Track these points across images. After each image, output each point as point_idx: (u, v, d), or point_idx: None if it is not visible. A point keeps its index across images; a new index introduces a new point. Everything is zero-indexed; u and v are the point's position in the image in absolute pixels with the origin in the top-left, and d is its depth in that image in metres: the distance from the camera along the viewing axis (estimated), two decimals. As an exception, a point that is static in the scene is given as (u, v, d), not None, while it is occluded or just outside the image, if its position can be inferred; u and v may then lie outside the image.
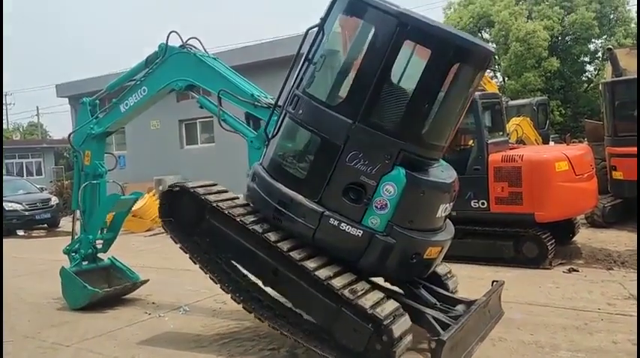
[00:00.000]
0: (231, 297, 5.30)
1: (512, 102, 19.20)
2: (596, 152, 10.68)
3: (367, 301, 4.51)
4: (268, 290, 5.29)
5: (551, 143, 18.28)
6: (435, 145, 4.97)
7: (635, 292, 6.74)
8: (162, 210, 5.66)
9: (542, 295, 6.92)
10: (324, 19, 4.94)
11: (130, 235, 14.21)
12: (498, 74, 31.93)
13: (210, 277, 5.41)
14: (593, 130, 15.22)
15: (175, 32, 6.54)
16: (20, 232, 17.53)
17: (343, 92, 4.83)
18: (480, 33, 31.89)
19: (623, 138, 11.37)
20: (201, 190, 5.39)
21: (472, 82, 4.97)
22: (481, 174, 8.64)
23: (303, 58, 5.09)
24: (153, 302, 7.43)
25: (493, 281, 5.83)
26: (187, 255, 5.57)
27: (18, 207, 17.31)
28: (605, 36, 29.27)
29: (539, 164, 8.42)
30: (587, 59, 31.34)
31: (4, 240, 16.09)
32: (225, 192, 5.57)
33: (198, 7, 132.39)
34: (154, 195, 16.82)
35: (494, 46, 31.42)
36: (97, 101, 7.61)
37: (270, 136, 5.41)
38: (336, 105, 4.79)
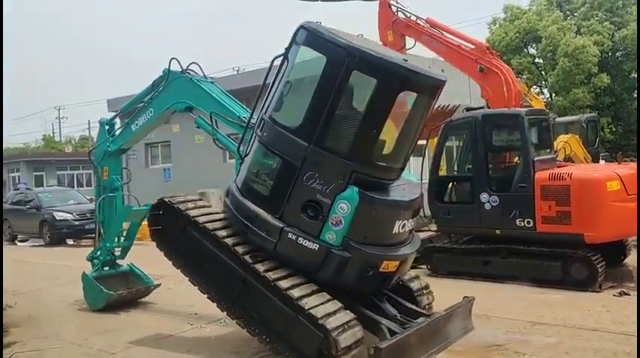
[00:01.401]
0: (217, 306, 5.68)
1: (559, 119, 18.71)
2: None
3: (309, 302, 4.89)
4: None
5: (602, 161, 17.69)
6: (388, 167, 5.30)
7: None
8: (152, 224, 6.18)
9: (591, 319, 6.66)
10: (287, 49, 5.31)
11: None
12: (545, 90, 31.24)
13: (198, 289, 5.83)
14: (646, 149, 14.64)
15: (175, 59, 7.13)
16: (70, 241, 18.14)
17: (300, 117, 5.15)
18: (527, 48, 31.36)
19: (678, 157, 10.90)
20: (182, 206, 5.90)
21: (422, 108, 5.29)
22: (527, 191, 8.43)
23: (270, 85, 5.49)
24: (195, 313, 7.53)
25: (464, 297, 5.98)
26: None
27: (68, 216, 17.90)
28: (659, 51, 28.25)
29: (589, 183, 8.16)
30: (639, 75, 30.28)
31: (55, 248, 16.75)
32: (207, 207, 6.13)
33: (235, 20, 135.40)
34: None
35: (541, 61, 30.84)
36: (115, 121, 8.33)
37: (242, 155, 5.84)
38: (295, 129, 5.15)
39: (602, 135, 24.47)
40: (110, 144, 7.99)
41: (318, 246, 5.03)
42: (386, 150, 5.33)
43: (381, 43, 10.80)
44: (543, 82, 31.54)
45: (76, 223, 17.80)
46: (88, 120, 72.68)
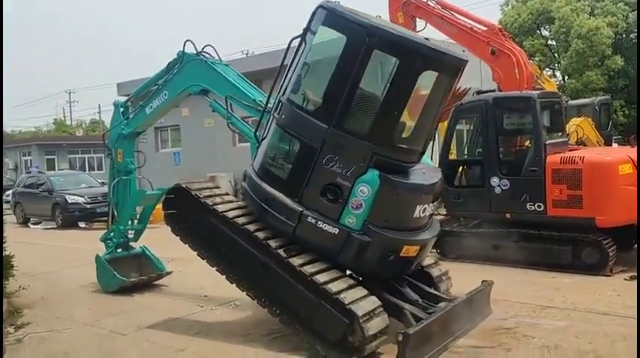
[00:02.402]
0: (236, 286, 5.74)
1: (572, 102, 18.49)
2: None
3: (334, 287, 4.86)
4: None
5: (614, 145, 17.50)
6: (408, 149, 5.24)
7: None
8: (167, 208, 6.21)
9: (601, 303, 6.64)
10: (305, 30, 5.24)
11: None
12: (557, 73, 30.83)
13: (216, 270, 5.89)
14: (659, 132, 14.46)
15: (190, 41, 7.04)
16: (82, 224, 18.32)
17: (320, 99, 5.11)
18: (539, 30, 30.88)
19: (693, 141, 10.75)
20: (199, 193, 5.88)
21: (443, 89, 5.18)
22: (538, 175, 8.37)
23: (288, 66, 5.43)
24: (205, 296, 7.61)
25: (483, 281, 5.95)
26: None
27: (80, 200, 18.06)
28: (675, 32, 27.71)
29: (601, 166, 8.08)
30: (654, 57, 29.79)
31: (68, 231, 16.93)
32: (225, 194, 6.09)
33: (247, 6, 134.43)
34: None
35: (554, 43, 30.39)
36: (128, 104, 8.22)
37: (259, 139, 5.77)
38: (314, 111, 5.11)
39: (615, 118, 24.17)
40: (124, 126, 7.97)
41: (337, 229, 5.00)
42: (407, 132, 5.26)
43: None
44: (556, 65, 31.11)
45: (88, 206, 17.96)
46: (99, 104, 73.16)
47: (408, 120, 5.19)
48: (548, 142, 8.52)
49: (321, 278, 4.95)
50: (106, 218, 18.78)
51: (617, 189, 7.91)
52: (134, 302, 7.43)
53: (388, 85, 4.90)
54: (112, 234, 8.20)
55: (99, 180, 22.36)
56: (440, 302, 5.50)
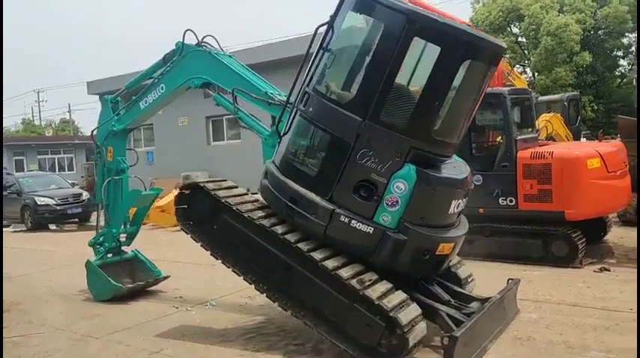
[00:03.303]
0: (255, 288, 5.35)
1: (542, 98, 18.83)
2: (630, 149, 10.37)
3: (374, 292, 4.56)
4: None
5: (583, 139, 17.88)
6: (445, 142, 4.97)
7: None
8: (179, 210, 5.78)
9: (572, 295, 6.79)
10: (333, 17, 4.96)
11: (158, 230, 14.44)
12: (528, 69, 31.37)
13: (233, 270, 5.51)
14: (626, 126, 14.74)
15: (191, 31, 6.61)
16: (52, 226, 17.96)
17: (353, 90, 4.84)
18: (509, 27, 31.37)
19: (658, 135, 11.04)
20: (219, 193, 5.50)
21: (483, 78, 4.97)
22: (509, 171, 8.51)
23: (313, 55, 5.13)
24: (180, 297, 7.53)
25: (509, 280, 5.83)
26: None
27: (50, 201, 17.68)
28: None
29: (570, 161, 8.25)
30: (620, 54, 30.58)
31: (38, 234, 16.57)
32: (244, 194, 5.69)
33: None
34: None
35: (524, 40, 30.89)
36: (119, 98, 7.73)
37: (281, 134, 5.44)
38: (346, 103, 4.81)
39: (584, 113, 24.72)
40: (115, 123, 7.48)
41: (372, 228, 4.71)
42: (445, 124, 4.92)
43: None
44: (526, 62, 31.66)
45: (58, 208, 17.60)
46: (69, 104, 71.75)
47: (447, 111, 4.84)
48: (518, 138, 8.65)
49: (357, 282, 4.64)
50: (77, 219, 18.74)
51: (585, 183, 8.08)
52: (107, 306, 7.29)
53: (429, 74, 4.58)
54: (101, 239, 7.68)
55: (69, 181, 21.98)
56: (471, 301, 5.35)
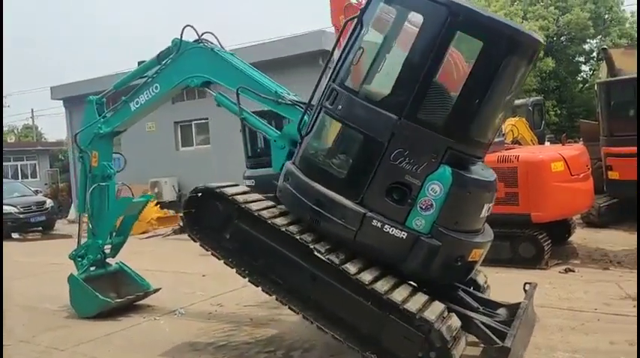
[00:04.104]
0: (276, 299, 5.04)
1: (507, 103, 19.19)
2: (592, 152, 10.69)
3: (413, 304, 4.31)
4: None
5: (547, 143, 18.31)
6: (481, 143, 4.79)
7: (631, 292, 6.74)
8: (188, 217, 5.39)
9: (538, 296, 6.84)
10: (363, 10, 4.75)
11: (126, 237, 14.14)
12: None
13: (249, 280, 5.18)
14: (588, 130, 15.24)
15: (191, 26, 6.25)
16: (15, 235, 17.45)
17: (387, 86, 4.54)
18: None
19: (618, 138, 11.38)
20: (238, 198, 5.15)
21: (522, 74, 4.80)
22: (477, 174, 8.61)
23: (341, 50, 4.88)
24: (148, 306, 7.38)
25: (525, 283, 5.67)
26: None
27: (13, 210, 17.23)
28: (600, 36, 29.36)
29: (535, 164, 8.42)
30: (582, 59, 31.41)
31: None
32: (262, 200, 5.34)
33: (205, 7, 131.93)
34: (149, 197, 16.78)
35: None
36: (104, 100, 7.31)
37: (304, 134, 5.14)
38: (380, 100, 4.54)
39: (548, 117, 25.31)
40: (102, 125, 7.00)
41: (405, 233, 4.44)
42: (482, 124, 4.71)
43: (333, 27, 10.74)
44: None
45: (21, 216, 17.19)
46: (32, 109, 69.88)
47: (485, 109, 4.62)
48: (486, 142, 8.78)
49: (380, 286, 4.39)
50: (41, 228, 18.24)
51: (550, 186, 8.27)
52: (73, 317, 7.08)
53: (470, 70, 4.37)
54: (83, 251, 7.18)
55: (32, 189, 21.41)
56: (497, 308, 5.19)
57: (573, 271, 8.04)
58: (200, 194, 5.36)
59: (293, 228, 4.81)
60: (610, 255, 8.89)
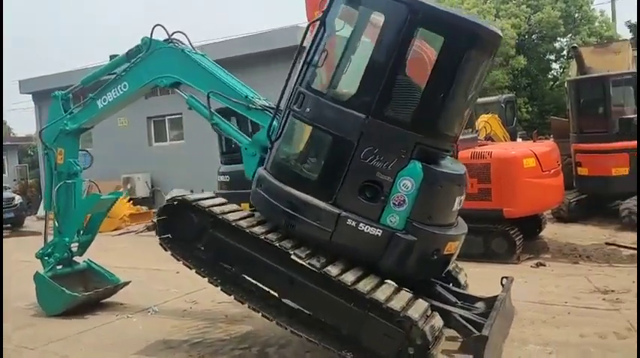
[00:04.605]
0: (248, 307, 5.05)
1: (480, 100, 19.41)
2: (562, 148, 10.91)
3: (397, 302, 4.33)
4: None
5: (519, 140, 18.61)
6: (448, 136, 4.88)
7: (600, 285, 6.91)
8: (160, 226, 5.34)
9: (511, 290, 7.00)
10: (325, 12, 4.80)
11: (97, 234, 13.86)
12: (467, 72, 32.27)
13: (221, 289, 5.18)
14: (558, 127, 15.55)
15: (161, 26, 6.19)
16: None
17: (353, 86, 4.62)
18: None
19: (588, 135, 11.65)
20: (210, 208, 5.13)
21: (485, 67, 4.91)
22: (451, 170, 8.70)
23: (306, 53, 4.93)
24: (121, 304, 7.27)
25: (503, 278, 5.78)
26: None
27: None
28: (571, 34, 29.86)
29: (507, 161, 8.55)
30: (552, 57, 31.92)
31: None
32: (237, 210, 5.32)
33: (174, 3, 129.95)
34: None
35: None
36: (70, 95, 7.16)
37: (273, 139, 5.19)
38: (347, 100, 4.61)
39: (519, 114, 25.72)
40: (68, 121, 6.88)
41: (381, 231, 4.50)
42: (449, 117, 4.80)
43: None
44: (465, 64, 32.52)
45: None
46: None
47: (451, 103, 4.72)
48: (460, 138, 8.87)
49: (362, 286, 4.40)
50: (10, 225, 17.78)
51: (521, 182, 8.40)
52: (43, 315, 6.94)
53: (433, 65, 4.45)
54: (50, 249, 7.07)
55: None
56: (476, 302, 5.27)
57: (544, 265, 8.20)
58: (176, 203, 5.31)
59: (272, 236, 4.80)
60: (579, 249, 9.08)
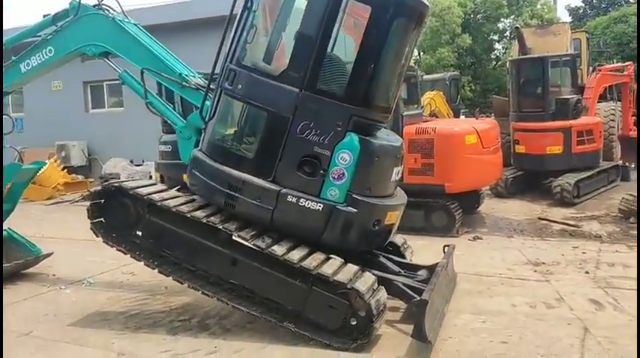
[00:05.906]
0: (189, 286, 4.93)
1: (426, 77, 19.72)
2: (502, 127, 11.22)
3: (344, 275, 4.37)
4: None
5: (462, 117, 19.05)
6: (383, 107, 4.90)
7: (532, 258, 7.20)
8: (93, 211, 5.10)
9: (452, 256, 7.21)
10: None
11: (30, 203, 13.27)
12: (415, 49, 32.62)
13: (159, 271, 5.03)
14: (499, 106, 15.98)
15: None
16: None
17: (285, 60, 4.59)
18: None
19: (526, 114, 12.04)
20: (140, 190, 4.95)
21: (413, 38, 4.95)
22: (396, 145, 8.79)
23: (234, 29, 4.82)
24: (53, 275, 6.98)
25: (445, 246, 5.95)
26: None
27: None
28: (514, 15, 30.63)
29: (450, 137, 8.69)
30: (496, 37, 32.70)
31: None
32: (168, 190, 5.20)
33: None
34: (55, 161, 15.83)
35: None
36: None
37: (207, 119, 5.05)
38: (279, 74, 4.56)
39: (463, 92, 26.30)
40: None
41: (321, 205, 4.50)
42: (381, 88, 4.82)
43: None
44: (412, 41, 32.81)
45: None
46: None
47: (382, 73, 4.75)
48: (405, 114, 8.95)
49: (310, 262, 4.43)
50: None
51: (463, 158, 8.58)
52: (-33, 286, 6.57)
53: (362, 36, 4.45)
54: None
55: None
56: (418, 270, 5.36)
57: (481, 239, 8.47)
58: (113, 189, 5.10)
59: (214, 219, 4.71)
60: (514, 223, 9.44)
